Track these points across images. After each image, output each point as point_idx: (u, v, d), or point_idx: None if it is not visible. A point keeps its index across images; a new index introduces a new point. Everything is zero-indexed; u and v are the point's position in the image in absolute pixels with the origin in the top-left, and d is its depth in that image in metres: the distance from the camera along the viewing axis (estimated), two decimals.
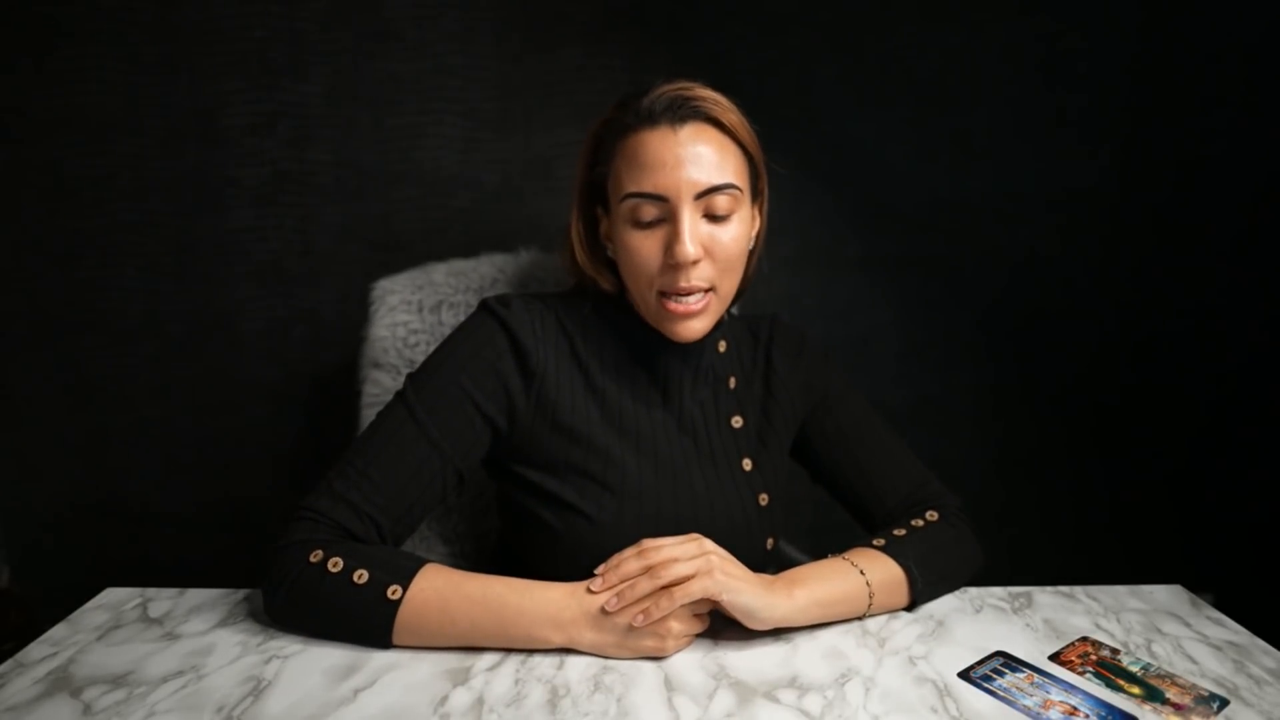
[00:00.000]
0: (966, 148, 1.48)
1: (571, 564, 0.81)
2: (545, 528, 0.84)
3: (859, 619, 0.80)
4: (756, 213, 0.89)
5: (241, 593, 0.81)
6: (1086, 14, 1.43)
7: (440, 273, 1.15)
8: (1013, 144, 1.48)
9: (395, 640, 0.71)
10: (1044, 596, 0.86)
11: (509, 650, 0.71)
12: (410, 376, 0.85)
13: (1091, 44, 1.45)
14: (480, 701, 0.64)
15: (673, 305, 0.81)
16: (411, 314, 1.10)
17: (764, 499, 0.92)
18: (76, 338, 1.41)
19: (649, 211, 0.80)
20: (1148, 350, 1.58)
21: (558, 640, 0.71)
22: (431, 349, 1.09)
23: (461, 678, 0.67)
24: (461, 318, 1.10)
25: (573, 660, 0.70)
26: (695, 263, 0.79)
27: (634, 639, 0.71)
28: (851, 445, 0.96)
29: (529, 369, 0.84)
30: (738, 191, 0.81)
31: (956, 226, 1.51)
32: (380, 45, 1.36)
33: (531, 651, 0.71)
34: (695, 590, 0.69)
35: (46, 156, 1.36)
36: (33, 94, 1.33)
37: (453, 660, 0.70)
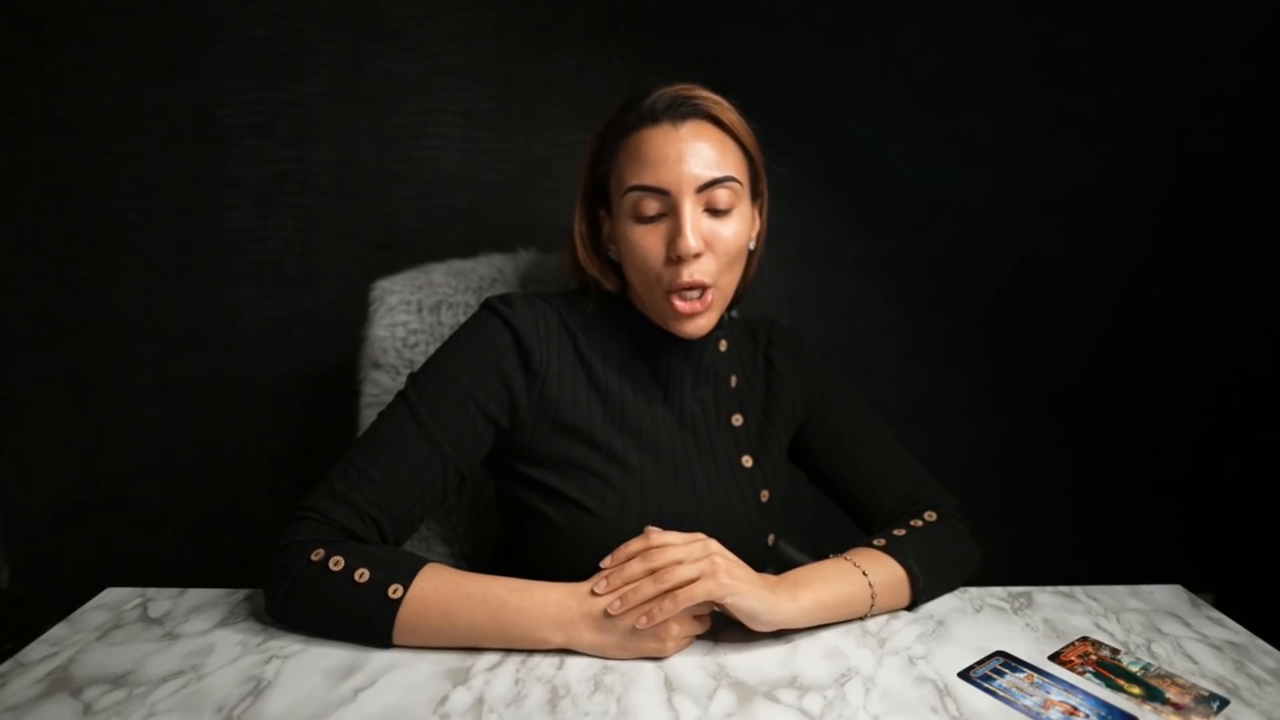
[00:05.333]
0: (966, 148, 1.48)
1: (575, 559, 0.82)
2: (548, 524, 0.85)
3: (860, 619, 0.80)
4: (756, 213, 0.89)
5: (241, 593, 0.81)
6: (1086, 14, 1.44)
7: (440, 273, 1.15)
8: (1013, 144, 1.48)
9: (396, 639, 0.71)
10: (1044, 596, 0.86)
11: (509, 650, 0.71)
12: (412, 376, 0.85)
13: (1091, 44, 1.45)
14: (480, 701, 0.64)
15: (678, 304, 0.82)
16: (411, 314, 1.10)
17: (764, 496, 0.92)
18: (76, 338, 1.41)
19: (651, 206, 0.81)
20: (1148, 350, 1.58)
21: (558, 641, 0.71)
22: (431, 349, 1.09)
23: (461, 678, 0.67)
24: (461, 318, 1.10)
25: (573, 660, 0.70)
26: (697, 256, 0.80)
27: (634, 640, 0.71)
28: (849, 447, 0.96)
29: (532, 367, 0.84)
30: (737, 185, 0.82)
31: (956, 226, 1.51)
32: (380, 45, 1.36)
33: (531, 652, 0.71)
34: (699, 594, 0.69)
35: (46, 156, 1.36)
36: (33, 94, 1.33)
37: (453, 660, 0.70)
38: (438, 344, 1.10)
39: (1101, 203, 1.51)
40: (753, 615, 0.71)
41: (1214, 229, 1.54)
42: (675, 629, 0.71)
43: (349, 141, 1.39)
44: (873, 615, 0.80)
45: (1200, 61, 1.47)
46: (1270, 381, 1.58)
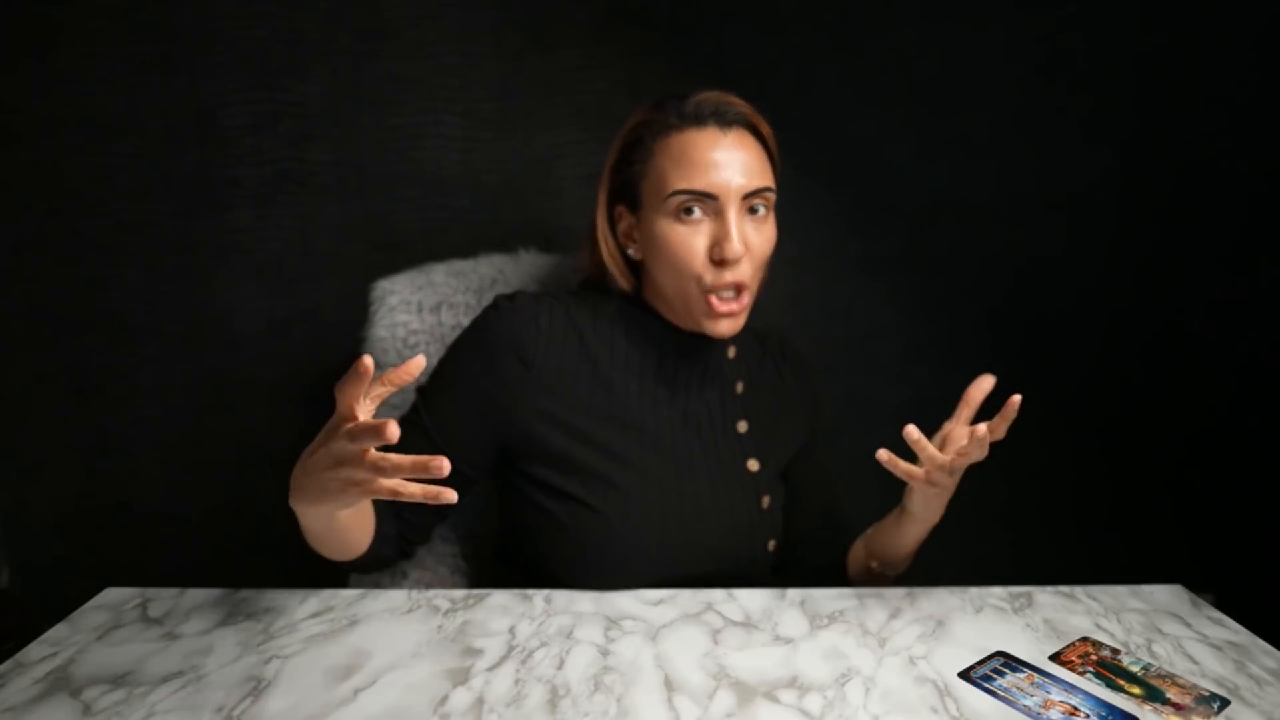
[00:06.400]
0: (967, 148, 1.48)
1: (577, 556, 0.83)
2: (551, 520, 0.85)
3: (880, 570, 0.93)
4: None
5: (242, 593, 0.81)
6: (1087, 13, 1.43)
7: (440, 273, 1.15)
8: (1013, 144, 1.48)
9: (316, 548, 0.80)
10: (1044, 596, 0.86)
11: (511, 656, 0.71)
12: (419, 388, 0.90)
13: (1092, 43, 1.45)
14: (480, 701, 0.64)
15: (717, 303, 0.84)
16: (411, 314, 1.10)
17: (766, 501, 0.92)
18: (76, 338, 1.41)
19: (695, 208, 0.83)
20: (1149, 350, 1.58)
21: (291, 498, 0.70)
22: (431, 349, 1.10)
23: (461, 678, 0.67)
24: (461, 318, 1.11)
25: (573, 660, 0.70)
26: (739, 259, 0.83)
27: (324, 491, 0.65)
28: (821, 487, 1.02)
29: (528, 361, 0.86)
30: (773, 195, 0.86)
31: (957, 226, 1.51)
32: (380, 45, 1.36)
33: (531, 651, 0.71)
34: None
35: (46, 156, 1.36)
36: (33, 94, 1.33)
37: (453, 660, 0.70)
38: (438, 344, 1.11)
39: (1103, 202, 1.51)
40: (927, 508, 0.85)
41: (1215, 229, 1.53)
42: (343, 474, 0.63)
43: (349, 141, 1.39)
44: (872, 575, 0.95)
45: (1201, 60, 1.47)
46: (1272, 381, 1.58)
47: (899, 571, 0.94)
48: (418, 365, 0.58)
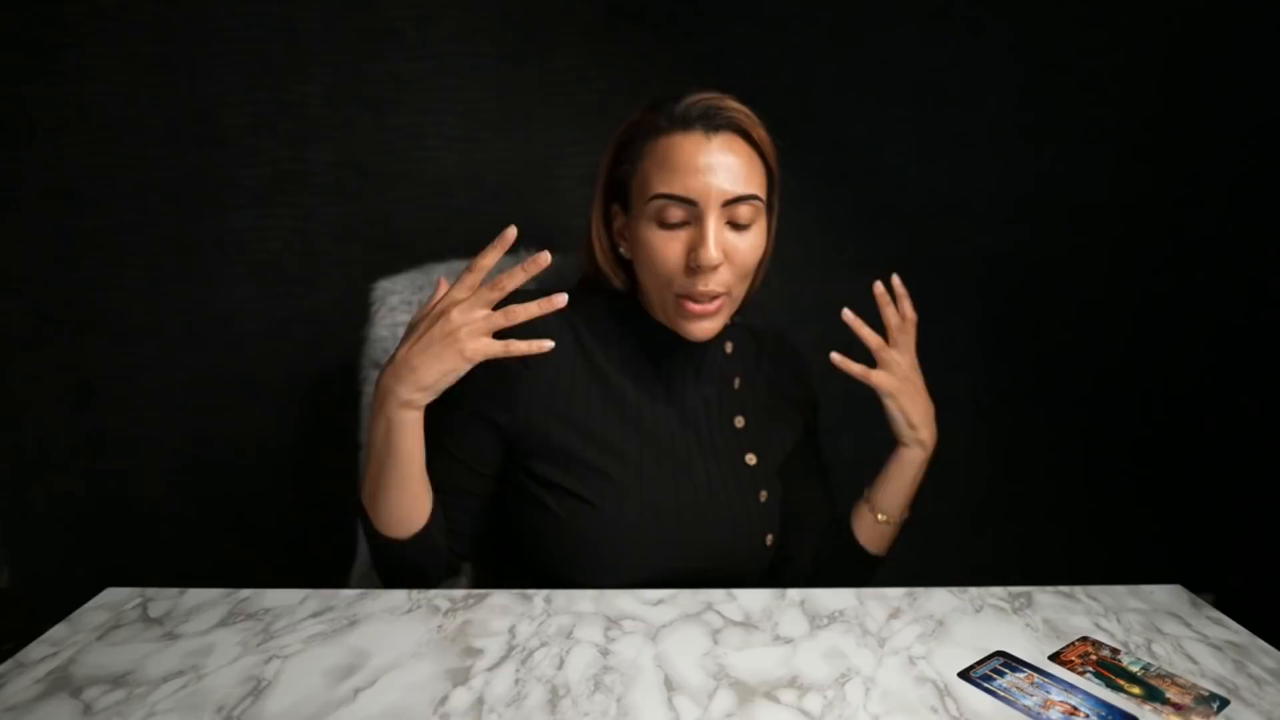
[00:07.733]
0: (966, 148, 1.48)
1: (574, 550, 0.83)
2: (550, 516, 0.85)
3: (882, 528, 0.95)
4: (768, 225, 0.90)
5: (242, 593, 0.81)
6: (1085, 14, 1.44)
7: (440, 273, 1.15)
8: (1013, 144, 1.48)
9: (370, 512, 0.82)
10: (1044, 596, 0.86)
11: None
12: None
13: (1091, 44, 1.45)
14: (480, 701, 0.64)
15: (690, 305, 0.83)
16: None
17: (763, 495, 0.93)
18: (76, 338, 1.41)
19: (675, 214, 0.81)
20: (1148, 350, 1.58)
21: (383, 403, 0.77)
22: None
23: (461, 678, 0.67)
24: None
25: (573, 660, 0.70)
26: (716, 268, 0.81)
27: (426, 358, 0.75)
28: (802, 477, 1.01)
29: (525, 358, 0.85)
30: (760, 203, 0.84)
31: (956, 227, 1.51)
32: (380, 45, 1.36)
33: (532, 651, 0.71)
34: (876, 380, 0.92)
35: (46, 156, 1.36)
36: (33, 94, 1.34)
37: (453, 660, 0.70)
38: None
39: (1101, 203, 1.51)
40: (911, 424, 0.93)
41: (1214, 229, 1.54)
42: (464, 330, 0.75)
43: (349, 141, 1.39)
44: (877, 543, 0.96)
45: (1200, 60, 1.47)
46: (1271, 381, 1.59)
47: (902, 519, 0.97)
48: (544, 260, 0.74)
